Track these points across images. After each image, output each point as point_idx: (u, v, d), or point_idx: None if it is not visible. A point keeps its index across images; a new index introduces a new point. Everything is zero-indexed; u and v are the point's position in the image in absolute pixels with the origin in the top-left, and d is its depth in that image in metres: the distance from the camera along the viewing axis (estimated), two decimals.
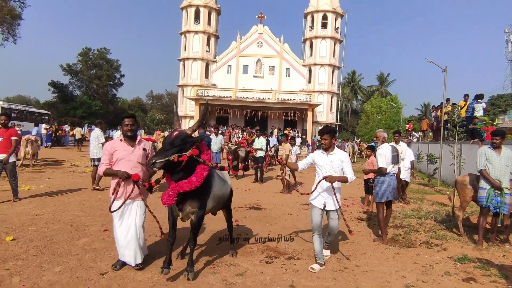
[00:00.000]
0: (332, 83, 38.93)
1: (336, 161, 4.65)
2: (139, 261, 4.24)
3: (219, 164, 4.46)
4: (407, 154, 9.59)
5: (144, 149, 4.41)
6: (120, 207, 4.09)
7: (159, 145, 12.85)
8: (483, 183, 5.89)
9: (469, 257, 5.23)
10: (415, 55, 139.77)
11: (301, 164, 4.90)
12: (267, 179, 13.40)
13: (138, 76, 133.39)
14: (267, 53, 39.46)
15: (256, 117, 34.42)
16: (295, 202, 9.22)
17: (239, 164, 13.63)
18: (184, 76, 39.31)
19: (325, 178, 4.49)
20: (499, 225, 5.86)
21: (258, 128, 24.49)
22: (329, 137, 4.67)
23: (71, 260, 4.48)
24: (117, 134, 15.72)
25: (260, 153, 13.42)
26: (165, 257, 4.19)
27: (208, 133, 13.82)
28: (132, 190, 4.16)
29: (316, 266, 4.55)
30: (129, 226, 4.22)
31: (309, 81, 38.95)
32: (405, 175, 9.55)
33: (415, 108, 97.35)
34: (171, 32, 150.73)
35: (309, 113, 33.75)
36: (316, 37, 38.42)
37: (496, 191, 5.71)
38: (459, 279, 4.46)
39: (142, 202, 4.31)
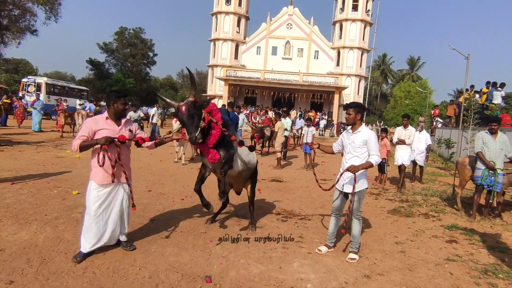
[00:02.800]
0: (360, 66, 38.92)
1: (358, 141, 4.34)
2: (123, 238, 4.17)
3: (239, 139, 4.59)
4: (422, 138, 10.17)
5: (130, 130, 4.11)
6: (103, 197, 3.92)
7: None
8: (479, 164, 6.60)
9: (458, 226, 6.05)
10: (449, 40, 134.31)
11: (335, 146, 4.69)
12: (290, 157, 14.31)
13: (169, 55, 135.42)
14: (296, 35, 39.73)
15: (283, 98, 35.16)
16: (313, 177, 10.13)
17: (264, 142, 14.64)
18: (214, 57, 40.31)
19: (348, 170, 4.23)
20: (490, 201, 6.61)
21: (285, 109, 25.27)
22: (353, 112, 4.35)
23: None
24: (153, 110, 17.14)
25: (285, 133, 14.31)
26: (202, 202, 4.87)
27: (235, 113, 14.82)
28: (120, 173, 3.97)
29: (324, 248, 4.53)
30: (112, 210, 4.03)
31: (337, 64, 39.08)
32: (417, 158, 10.20)
33: (447, 94, 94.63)
34: (202, 12, 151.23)
35: (336, 96, 34.12)
36: (346, 20, 38.31)
37: (490, 171, 6.43)
38: (443, 241, 5.31)
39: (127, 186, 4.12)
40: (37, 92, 23.74)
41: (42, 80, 27.17)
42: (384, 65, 61.37)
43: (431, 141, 10.71)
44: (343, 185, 4.44)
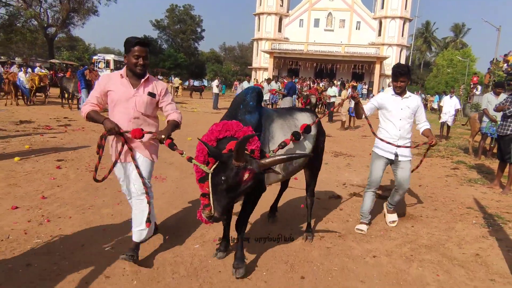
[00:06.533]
0: (402, 36, 39.60)
1: (413, 104, 3.99)
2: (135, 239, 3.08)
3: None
4: (452, 103, 12.18)
5: (152, 94, 3.02)
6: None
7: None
8: (484, 118, 8.77)
9: (464, 161, 8.38)
10: (498, 5, 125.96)
11: (366, 109, 4.05)
12: (335, 120, 16.74)
13: (214, 30, 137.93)
14: (338, 6, 40.76)
15: (325, 69, 36.93)
16: (356, 134, 12.62)
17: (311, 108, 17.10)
18: (259, 30, 42.36)
19: (430, 144, 3.87)
20: (492, 145, 8.83)
21: (338, 80, 27.33)
22: (406, 79, 3.90)
23: None
24: (215, 82, 20.02)
25: (332, 99, 16.67)
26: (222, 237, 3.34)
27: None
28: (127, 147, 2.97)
29: (364, 227, 4.05)
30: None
31: (379, 34, 39.94)
32: (446, 119, 12.25)
33: (490, 62, 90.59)
34: None
35: (377, 66, 35.44)
36: None
37: (493, 123, 8.60)
38: (449, 168, 7.71)
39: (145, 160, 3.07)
40: (111, 69, 27.28)
41: (110, 57, 30.74)
42: (428, 33, 60.47)
43: (460, 106, 12.73)
44: (395, 153, 3.95)
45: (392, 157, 3.97)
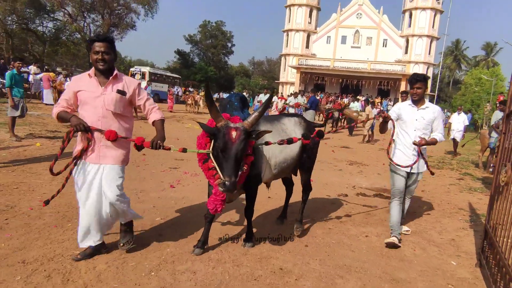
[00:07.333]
0: (429, 54, 39.83)
1: (429, 117, 3.97)
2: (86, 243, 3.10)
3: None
4: (461, 119, 12.72)
5: (121, 92, 3.00)
6: (64, 169, 2.97)
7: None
8: (493, 133, 9.38)
9: (471, 173, 9.01)
10: None
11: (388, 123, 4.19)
12: (355, 134, 17.46)
13: (243, 44, 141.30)
14: (366, 24, 41.52)
15: (351, 85, 37.58)
16: (374, 147, 13.35)
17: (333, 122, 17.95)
18: (287, 46, 43.63)
19: (414, 143, 3.90)
20: None
21: (363, 96, 28.05)
22: (423, 85, 3.94)
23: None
24: (261, 96, 21.02)
25: (354, 114, 17.44)
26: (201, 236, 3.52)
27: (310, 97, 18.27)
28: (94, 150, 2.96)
29: (396, 239, 3.96)
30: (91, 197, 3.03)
31: (406, 52, 40.33)
32: (456, 135, 12.66)
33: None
34: (276, 5, 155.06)
35: (403, 83, 35.75)
36: (416, 8, 39.30)
37: None
38: (454, 179, 8.37)
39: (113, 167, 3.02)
40: (146, 80, 29.05)
41: (146, 69, 32.63)
42: (458, 51, 60.05)
43: (468, 122, 13.27)
44: (411, 167, 4.03)
45: (409, 169, 4.06)
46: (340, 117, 19.34)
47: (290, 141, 3.42)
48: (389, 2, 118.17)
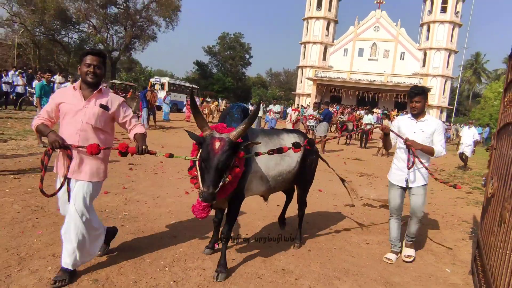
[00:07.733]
0: (447, 67, 39.60)
1: (428, 130, 3.87)
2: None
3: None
4: (471, 134, 12.59)
5: (104, 106, 2.98)
6: (59, 189, 2.95)
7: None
8: None
9: (481, 188, 9.08)
10: None
11: (392, 137, 4.06)
12: (369, 146, 17.59)
13: (261, 55, 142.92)
14: (383, 37, 41.66)
15: (367, 97, 37.65)
16: (387, 160, 13.49)
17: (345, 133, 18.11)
18: (304, 58, 44.10)
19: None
20: None
21: (379, 108, 28.18)
22: (422, 99, 3.85)
23: None
24: (276, 107, 21.60)
25: (368, 127, 17.62)
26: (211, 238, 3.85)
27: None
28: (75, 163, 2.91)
29: (392, 256, 4.05)
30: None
31: (423, 65, 40.20)
32: (465, 150, 12.54)
33: None
34: (294, 18, 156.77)
35: None
36: (434, 22, 39.28)
37: None
38: (463, 193, 8.49)
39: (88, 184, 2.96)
40: (165, 91, 29.84)
41: (166, 79, 33.51)
42: (478, 64, 59.33)
43: (478, 137, 13.20)
44: (406, 180, 3.94)
45: (404, 184, 3.95)
46: (355, 129, 19.55)
47: (280, 150, 3.31)
48: (407, 16, 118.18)
